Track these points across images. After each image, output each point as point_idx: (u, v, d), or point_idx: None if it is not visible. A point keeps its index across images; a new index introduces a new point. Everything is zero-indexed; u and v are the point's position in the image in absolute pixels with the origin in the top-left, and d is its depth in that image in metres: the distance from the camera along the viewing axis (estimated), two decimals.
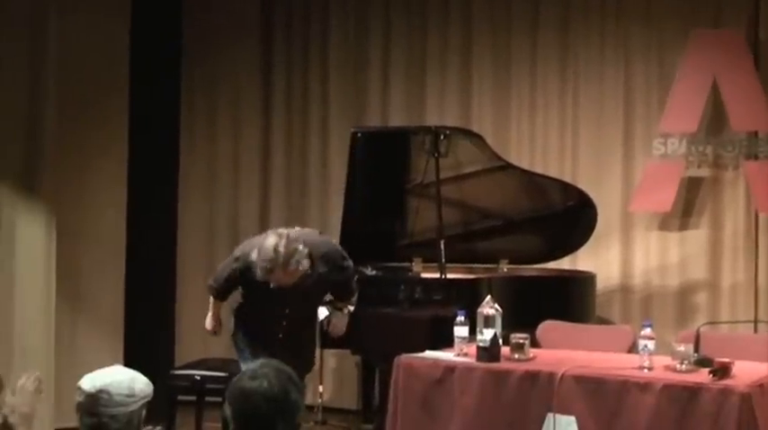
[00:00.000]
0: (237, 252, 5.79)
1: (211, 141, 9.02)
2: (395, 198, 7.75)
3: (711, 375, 4.96)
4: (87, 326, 7.84)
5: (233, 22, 8.95)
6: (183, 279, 8.79)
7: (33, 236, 7.29)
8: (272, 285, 5.51)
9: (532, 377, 5.29)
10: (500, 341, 5.47)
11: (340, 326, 6.09)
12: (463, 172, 7.52)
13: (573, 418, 5.14)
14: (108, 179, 7.93)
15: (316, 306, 6.09)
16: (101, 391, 3.31)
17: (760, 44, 7.55)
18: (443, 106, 8.37)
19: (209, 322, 6.05)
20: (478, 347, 5.47)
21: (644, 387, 5.03)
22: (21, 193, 7.25)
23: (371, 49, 8.61)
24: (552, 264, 7.66)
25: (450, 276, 6.93)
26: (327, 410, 7.87)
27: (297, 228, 6.23)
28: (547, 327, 6.50)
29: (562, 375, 5.19)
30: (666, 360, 5.24)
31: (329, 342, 6.50)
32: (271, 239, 5.46)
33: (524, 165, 7.80)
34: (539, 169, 7.86)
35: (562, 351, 5.90)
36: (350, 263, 5.89)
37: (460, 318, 5.63)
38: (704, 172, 7.72)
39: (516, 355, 5.51)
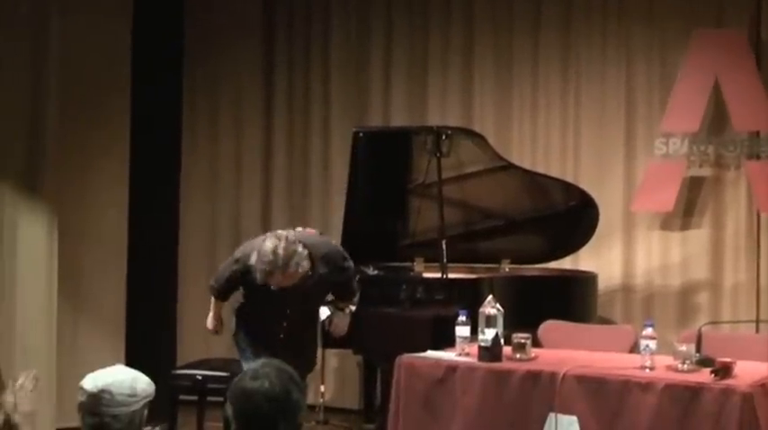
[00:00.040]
0: (238, 253, 5.79)
1: (213, 141, 9.02)
2: (396, 198, 7.75)
3: (713, 375, 4.96)
4: (89, 325, 7.84)
5: (235, 22, 8.95)
6: (184, 279, 8.79)
7: (35, 235, 7.29)
8: (272, 287, 5.51)
9: (534, 377, 5.29)
10: (502, 341, 5.47)
11: (342, 325, 6.09)
12: (465, 172, 7.52)
13: (574, 418, 5.15)
14: (110, 179, 7.93)
15: (317, 306, 6.10)
16: (103, 391, 3.31)
17: (762, 44, 7.55)
18: (445, 106, 8.37)
19: (210, 322, 6.06)
20: (480, 347, 5.47)
21: (645, 387, 5.04)
22: (23, 193, 7.26)
23: (373, 48, 8.61)
24: (554, 264, 7.65)
25: (451, 276, 6.93)
26: (329, 410, 7.87)
27: (298, 229, 6.24)
28: (548, 327, 6.50)
29: (564, 375, 5.19)
30: (668, 360, 5.24)
31: (331, 342, 6.51)
32: (269, 242, 5.46)
33: (526, 164, 7.80)
34: (540, 169, 7.86)
35: (564, 351, 5.90)
36: (350, 263, 5.89)
37: (462, 318, 5.64)
38: (706, 172, 7.72)
39: (518, 355, 5.51)
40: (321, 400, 7.73)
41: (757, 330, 7.27)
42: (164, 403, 6.01)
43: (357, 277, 6.09)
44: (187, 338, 8.60)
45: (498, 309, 5.44)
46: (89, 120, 7.73)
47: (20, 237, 7.26)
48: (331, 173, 8.63)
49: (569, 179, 7.79)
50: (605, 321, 7.59)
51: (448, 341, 5.75)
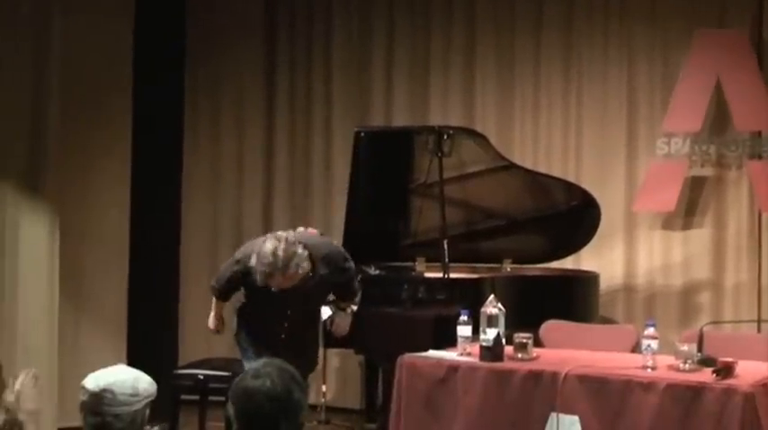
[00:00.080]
0: (238, 255, 5.79)
1: (215, 141, 9.02)
2: (398, 198, 7.75)
3: (715, 375, 4.96)
4: (91, 325, 7.84)
5: (236, 22, 8.95)
6: (186, 279, 8.80)
7: (37, 235, 7.30)
8: (273, 289, 5.51)
9: (536, 376, 5.29)
10: (503, 340, 5.47)
11: (343, 325, 6.09)
12: (467, 171, 7.52)
13: (576, 418, 5.15)
14: (111, 179, 7.93)
15: (318, 307, 6.10)
16: (104, 391, 3.31)
17: (764, 44, 7.55)
18: (447, 106, 8.37)
19: (211, 321, 6.06)
20: (482, 347, 5.47)
21: (647, 386, 5.04)
22: (24, 193, 7.26)
23: (375, 49, 8.61)
24: (555, 264, 7.66)
25: (453, 276, 6.93)
26: (331, 410, 7.87)
27: (300, 229, 6.24)
28: (550, 327, 6.50)
29: (565, 375, 5.19)
30: (670, 359, 5.24)
31: (332, 341, 6.51)
32: (269, 244, 5.45)
33: (528, 164, 7.80)
34: (542, 169, 7.85)
35: (565, 350, 5.90)
36: (351, 264, 5.89)
37: (464, 318, 5.64)
38: (707, 171, 7.72)
39: (519, 355, 5.51)
40: (323, 400, 7.73)
41: (759, 330, 7.26)
42: (165, 403, 6.01)
43: (358, 277, 6.09)
44: (189, 338, 8.60)
45: (500, 309, 5.44)
46: (91, 120, 7.73)
47: (21, 236, 7.26)
48: (333, 173, 8.63)
49: (571, 179, 7.79)
50: (607, 321, 7.59)
51: (449, 341, 5.75)
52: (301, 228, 6.47)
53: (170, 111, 8.68)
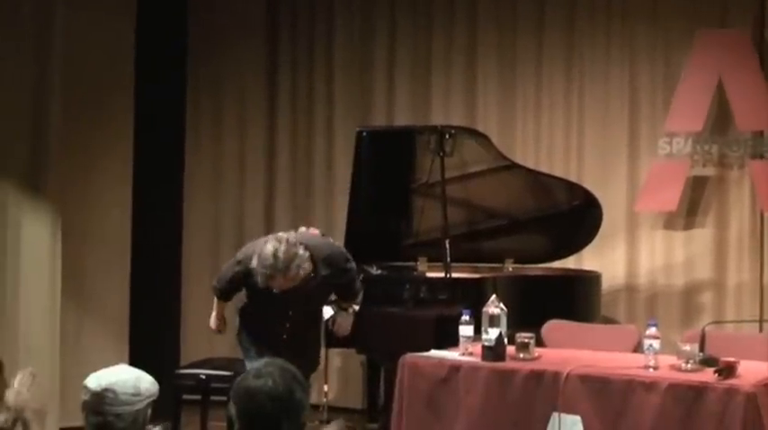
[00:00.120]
0: (240, 255, 5.79)
1: (217, 141, 9.02)
2: (400, 197, 7.75)
3: (717, 375, 4.96)
4: (92, 325, 7.84)
5: (238, 21, 8.96)
6: (188, 278, 8.80)
7: (38, 235, 7.30)
8: (274, 290, 5.51)
9: (537, 376, 5.29)
10: (505, 340, 5.47)
11: (345, 325, 6.09)
12: (468, 171, 7.51)
13: (578, 418, 5.14)
14: (113, 179, 7.94)
15: (319, 307, 6.10)
16: (106, 390, 3.31)
17: (765, 44, 7.55)
18: (449, 106, 8.37)
19: (213, 321, 6.07)
20: (483, 346, 5.47)
21: (649, 386, 5.03)
22: (26, 193, 7.27)
23: (377, 48, 8.61)
24: (557, 264, 7.65)
25: (455, 275, 6.92)
26: (332, 409, 7.86)
27: (302, 229, 6.24)
28: (552, 327, 6.50)
29: (567, 374, 5.19)
30: (672, 359, 5.23)
31: (334, 341, 6.51)
32: (270, 245, 5.44)
33: (530, 164, 7.79)
34: (544, 169, 7.85)
35: (567, 350, 5.89)
36: (353, 265, 5.89)
37: (465, 318, 5.64)
38: (709, 171, 7.72)
39: (521, 355, 5.51)
40: (324, 400, 7.72)
41: (761, 330, 7.27)
42: (167, 402, 5.98)
43: (360, 277, 6.09)
44: (191, 338, 8.61)
45: (502, 309, 5.44)
46: (92, 120, 7.73)
47: (23, 236, 7.26)
48: (334, 173, 8.63)
49: (573, 179, 7.79)
50: (609, 321, 7.59)
51: (451, 340, 5.75)
52: (303, 228, 6.49)
53: (172, 111, 8.68)
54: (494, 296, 5.56)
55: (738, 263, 7.63)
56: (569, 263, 7.72)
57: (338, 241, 6.54)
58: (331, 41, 8.74)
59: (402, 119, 8.44)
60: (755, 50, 7.48)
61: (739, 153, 7.63)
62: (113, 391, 3.31)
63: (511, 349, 5.53)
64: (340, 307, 6.09)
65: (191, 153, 8.94)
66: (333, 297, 6.07)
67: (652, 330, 5.24)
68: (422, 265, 7.45)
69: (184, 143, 8.91)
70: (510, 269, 7.52)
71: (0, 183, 7.23)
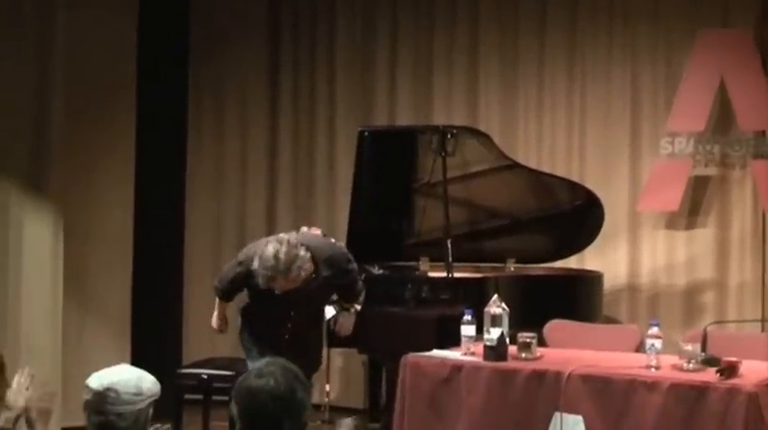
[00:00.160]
0: (241, 256, 5.79)
1: (218, 141, 9.02)
2: (402, 197, 7.75)
3: (718, 374, 4.96)
4: (94, 325, 7.84)
5: (240, 21, 8.96)
6: (190, 278, 8.81)
7: (41, 235, 7.30)
8: (276, 291, 5.50)
9: (539, 376, 5.29)
10: (507, 340, 5.47)
11: (347, 325, 6.09)
12: (470, 171, 7.51)
13: (580, 418, 5.14)
14: (115, 178, 7.94)
15: (321, 308, 6.10)
16: (108, 390, 3.31)
17: (767, 44, 7.55)
18: (450, 106, 8.37)
19: (215, 321, 6.07)
20: (485, 346, 5.47)
21: (651, 386, 5.03)
22: (28, 193, 7.26)
23: (379, 48, 8.61)
24: (559, 264, 7.65)
25: (457, 275, 6.92)
26: (334, 409, 7.87)
27: (303, 229, 6.23)
28: (554, 327, 6.49)
29: (569, 374, 5.19)
30: (674, 359, 5.23)
31: (336, 341, 6.51)
32: (271, 247, 5.44)
33: (532, 164, 7.79)
34: (546, 169, 7.85)
35: (569, 350, 5.89)
36: (354, 265, 5.89)
37: (467, 317, 5.63)
38: (711, 171, 7.72)
39: (523, 354, 5.50)
40: (326, 400, 7.74)
41: (763, 329, 7.28)
42: (169, 402, 5.97)
43: (362, 277, 6.09)
44: (192, 337, 8.61)
45: (504, 309, 5.44)
46: (94, 119, 7.73)
47: (25, 236, 7.26)
48: (336, 172, 8.63)
49: (575, 178, 7.79)
50: (611, 321, 7.59)
51: (453, 340, 5.74)
52: (305, 228, 6.49)
53: (173, 110, 8.69)
54: (496, 296, 5.56)
55: (740, 263, 7.63)
56: (571, 262, 7.72)
57: (340, 241, 6.53)
58: (333, 41, 8.74)
59: (404, 119, 8.44)
60: (757, 50, 7.48)
61: (741, 153, 7.63)
62: (115, 391, 3.31)
63: (513, 349, 5.53)
64: (342, 307, 6.09)
65: (192, 153, 8.95)
66: (335, 297, 6.07)
67: (654, 330, 5.23)
68: (424, 265, 7.44)
69: (186, 143, 8.92)
70: (512, 269, 7.53)
71: (2, 183, 7.22)
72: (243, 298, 5.96)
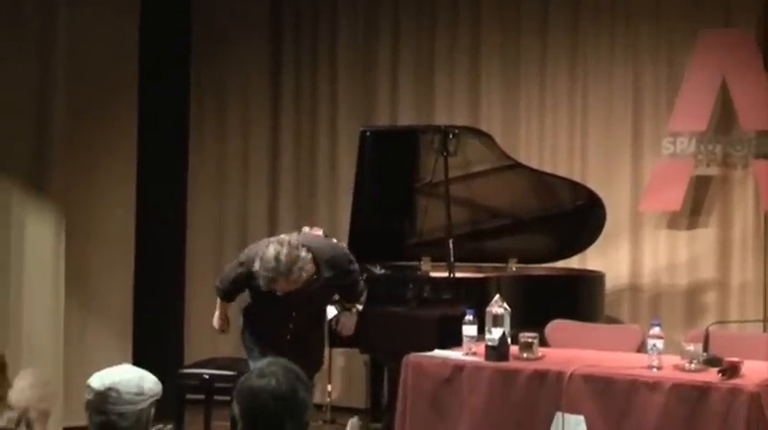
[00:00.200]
0: (242, 257, 5.78)
1: (220, 140, 9.02)
2: (404, 197, 7.74)
3: (720, 374, 4.95)
4: (96, 324, 7.84)
5: (242, 21, 8.96)
6: (191, 278, 8.80)
7: (42, 235, 7.30)
8: (277, 292, 5.50)
9: (541, 376, 5.29)
10: (509, 340, 5.47)
11: (349, 325, 6.09)
12: (472, 171, 7.51)
13: (582, 418, 5.14)
14: (117, 178, 7.93)
15: (323, 308, 6.09)
16: (110, 389, 3.31)
17: None
18: (452, 105, 8.37)
19: (216, 321, 6.06)
20: (487, 346, 5.46)
21: (653, 386, 5.03)
22: (30, 193, 7.27)
23: (380, 48, 8.62)
24: (561, 264, 7.65)
25: (458, 275, 6.92)
26: (336, 409, 7.87)
27: (305, 229, 6.23)
28: (556, 327, 6.49)
29: (571, 374, 5.18)
30: (675, 359, 5.23)
31: (338, 341, 6.50)
32: (272, 248, 5.42)
33: (533, 164, 7.79)
34: (548, 168, 7.85)
35: (571, 350, 5.89)
36: (356, 266, 5.88)
37: (469, 317, 5.63)
38: (713, 171, 7.72)
39: (525, 354, 5.50)
40: (328, 399, 7.74)
41: (765, 329, 7.27)
42: (171, 402, 6.00)
43: (364, 277, 6.09)
44: (194, 337, 8.61)
45: (505, 309, 5.44)
46: (96, 119, 7.73)
47: (27, 236, 7.26)
48: (338, 172, 8.63)
49: (577, 178, 7.79)
50: (612, 321, 7.59)
51: (455, 340, 5.74)
52: (306, 228, 6.48)
53: (175, 110, 8.68)
54: (497, 296, 5.55)
55: (742, 262, 7.63)
56: (573, 262, 7.72)
57: (342, 241, 6.54)
58: (334, 41, 8.74)
59: (405, 118, 8.44)
60: (759, 50, 7.48)
61: (743, 152, 7.63)
62: (117, 391, 3.31)
63: (514, 349, 5.53)
64: (343, 307, 6.09)
65: (194, 152, 8.95)
66: (336, 297, 6.07)
67: (656, 330, 5.23)
68: (425, 265, 7.44)
69: (188, 142, 8.92)
70: (513, 269, 7.53)
71: (3, 183, 7.23)
72: (245, 298, 5.96)
